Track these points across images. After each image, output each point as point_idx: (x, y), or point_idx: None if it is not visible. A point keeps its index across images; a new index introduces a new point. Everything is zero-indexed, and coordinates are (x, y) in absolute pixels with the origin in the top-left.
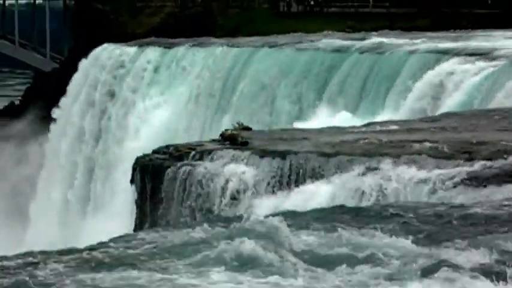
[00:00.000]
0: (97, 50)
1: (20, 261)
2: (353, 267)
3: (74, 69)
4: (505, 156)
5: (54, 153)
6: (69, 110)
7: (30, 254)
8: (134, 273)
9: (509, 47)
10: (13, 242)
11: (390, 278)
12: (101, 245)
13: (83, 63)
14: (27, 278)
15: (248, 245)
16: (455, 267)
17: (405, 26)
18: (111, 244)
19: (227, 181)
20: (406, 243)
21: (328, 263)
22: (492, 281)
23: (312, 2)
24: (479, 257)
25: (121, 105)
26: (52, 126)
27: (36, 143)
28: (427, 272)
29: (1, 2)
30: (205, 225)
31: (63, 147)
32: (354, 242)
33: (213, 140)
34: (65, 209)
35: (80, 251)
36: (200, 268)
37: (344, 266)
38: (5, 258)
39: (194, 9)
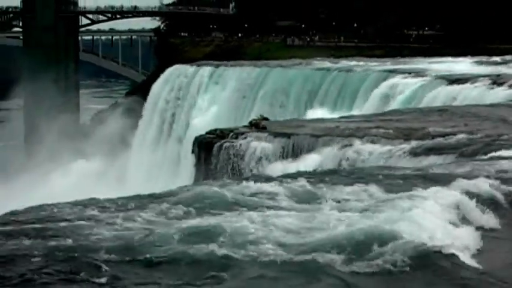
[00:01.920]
0: (171, 68)
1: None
2: (335, 203)
3: (156, 80)
4: (430, 138)
5: (142, 133)
6: (152, 106)
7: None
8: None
9: (432, 69)
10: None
11: (363, 209)
12: (177, 190)
13: (162, 77)
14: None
15: (267, 187)
16: (400, 199)
17: (367, 54)
18: (183, 190)
19: (253, 152)
20: (370, 189)
21: (317, 200)
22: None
23: (308, 39)
24: (412, 194)
25: (186, 103)
26: (143, 113)
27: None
28: (383, 204)
29: (110, 38)
30: (239, 180)
31: (149, 130)
32: (334, 188)
33: (244, 126)
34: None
35: (164, 194)
36: (234, 194)
37: (330, 202)
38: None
39: (232, 43)
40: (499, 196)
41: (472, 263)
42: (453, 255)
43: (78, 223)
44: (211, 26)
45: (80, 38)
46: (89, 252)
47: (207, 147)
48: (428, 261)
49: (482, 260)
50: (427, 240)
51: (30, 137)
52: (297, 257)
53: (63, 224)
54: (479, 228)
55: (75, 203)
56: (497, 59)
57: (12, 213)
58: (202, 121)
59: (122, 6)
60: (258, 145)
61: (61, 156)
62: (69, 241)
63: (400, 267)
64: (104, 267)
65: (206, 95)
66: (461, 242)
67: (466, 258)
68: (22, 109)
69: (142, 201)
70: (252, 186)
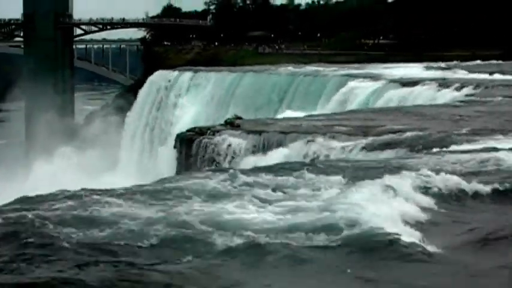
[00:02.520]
0: (155, 74)
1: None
2: (300, 191)
3: (142, 84)
4: (384, 134)
5: (130, 130)
6: (139, 105)
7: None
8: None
9: (386, 73)
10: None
11: (324, 197)
12: (161, 180)
13: (148, 81)
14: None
15: (241, 178)
16: (357, 187)
17: (329, 61)
18: (167, 180)
19: (228, 147)
20: (331, 179)
21: (284, 188)
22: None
23: (277, 47)
24: (367, 183)
25: (169, 104)
26: (128, 115)
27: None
28: (342, 191)
29: (101, 46)
30: (214, 171)
31: (137, 128)
32: (299, 178)
33: (220, 124)
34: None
35: (149, 184)
36: (210, 184)
37: (296, 190)
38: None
39: (210, 51)
40: (443, 184)
41: (426, 247)
42: (399, 235)
43: (88, 204)
44: (191, 36)
45: (74, 46)
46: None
47: (187, 143)
48: (378, 240)
49: (426, 240)
50: (377, 223)
51: (30, 135)
52: (266, 237)
53: (64, 205)
54: (429, 215)
55: (78, 192)
56: (443, 65)
57: (23, 198)
58: (183, 120)
59: (112, 18)
60: (233, 141)
61: (56, 152)
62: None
63: (354, 245)
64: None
65: (187, 97)
66: (411, 226)
67: (419, 242)
68: (23, 110)
69: (131, 189)
70: (226, 176)
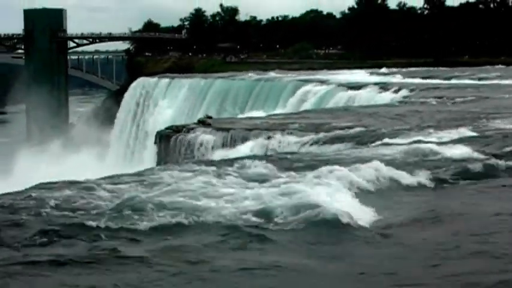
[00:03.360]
0: (138, 80)
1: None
2: (261, 180)
3: (127, 89)
4: (333, 130)
5: (118, 128)
6: (124, 107)
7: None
8: (157, 180)
9: (335, 79)
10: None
11: (280, 183)
12: (144, 171)
13: (131, 86)
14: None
15: (211, 168)
16: (308, 176)
17: (286, 68)
18: (148, 171)
19: (201, 142)
20: (287, 168)
21: (247, 177)
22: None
23: (242, 57)
24: (319, 172)
25: (150, 106)
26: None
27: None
28: (295, 180)
29: (91, 57)
30: (189, 163)
31: (123, 126)
32: (261, 168)
33: (194, 123)
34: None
35: (135, 174)
36: (186, 174)
37: (257, 178)
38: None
39: (185, 60)
40: (386, 173)
41: (365, 224)
42: (350, 218)
43: (80, 194)
44: (168, 48)
45: (68, 57)
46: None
47: (166, 139)
48: (332, 224)
49: (377, 224)
50: (328, 206)
51: (31, 134)
52: (222, 221)
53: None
54: (371, 199)
55: (77, 182)
56: (384, 71)
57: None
58: (162, 119)
59: (100, 33)
60: (204, 137)
61: (54, 147)
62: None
63: (305, 227)
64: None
65: (165, 100)
66: (357, 208)
67: (362, 222)
68: (24, 112)
69: (120, 178)
70: (200, 167)
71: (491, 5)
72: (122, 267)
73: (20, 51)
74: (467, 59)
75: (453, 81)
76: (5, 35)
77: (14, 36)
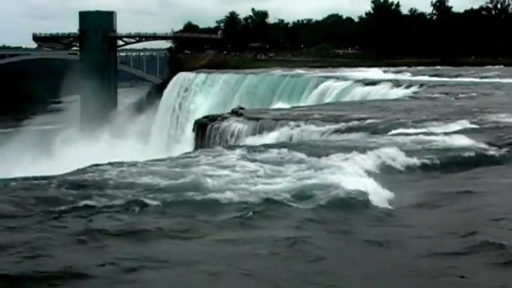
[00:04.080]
0: (178, 75)
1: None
2: (287, 162)
3: (168, 82)
4: (351, 121)
5: (160, 117)
6: (166, 98)
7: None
8: (194, 162)
9: (353, 76)
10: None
11: (304, 167)
12: (183, 154)
13: (172, 80)
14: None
15: (242, 152)
16: (329, 160)
17: (309, 66)
18: (186, 155)
19: (233, 130)
20: (310, 153)
21: (274, 160)
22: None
23: (271, 55)
24: (338, 157)
25: (188, 98)
26: (160, 104)
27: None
28: (318, 163)
29: (138, 54)
30: (223, 148)
31: (164, 115)
32: (286, 153)
33: (228, 113)
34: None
35: (176, 157)
36: (220, 157)
37: (283, 161)
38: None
39: (220, 57)
40: (398, 159)
41: (379, 203)
42: (366, 198)
43: (128, 176)
44: (205, 46)
45: (117, 54)
46: (145, 189)
47: (202, 127)
48: (350, 204)
49: (390, 203)
50: (344, 187)
51: (84, 121)
52: (254, 200)
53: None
54: (385, 181)
55: (126, 163)
56: (396, 69)
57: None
58: (199, 109)
59: (146, 33)
60: (237, 125)
61: (103, 133)
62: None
63: (323, 205)
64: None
65: (202, 92)
66: (372, 190)
67: (375, 201)
68: (78, 102)
69: (163, 161)
70: (232, 152)
71: (493, 12)
72: (169, 240)
73: (75, 48)
74: (473, 60)
75: (458, 79)
76: (62, 34)
77: (70, 35)
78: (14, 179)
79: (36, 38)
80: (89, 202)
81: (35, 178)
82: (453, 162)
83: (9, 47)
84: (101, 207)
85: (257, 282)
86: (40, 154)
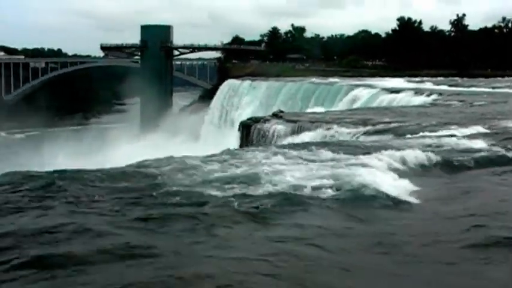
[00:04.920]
0: (226, 81)
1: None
2: (321, 160)
3: (218, 88)
4: (377, 124)
5: (210, 118)
6: (215, 102)
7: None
8: (240, 158)
9: (379, 84)
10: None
11: (336, 164)
12: (230, 150)
13: (221, 86)
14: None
15: (281, 150)
16: (358, 159)
17: (341, 75)
18: (233, 151)
19: (274, 131)
20: (341, 152)
21: (310, 157)
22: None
23: (307, 65)
24: (366, 156)
25: (235, 101)
26: (210, 107)
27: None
28: (348, 161)
29: (191, 63)
30: (265, 146)
31: (214, 117)
32: (321, 151)
33: (269, 115)
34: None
35: (223, 153)
36: (262, 154)
37: (318, 158)
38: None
39: (263, 67)
40: (422, 158)
41: (403, 198)
42: (390, 194)
43: (186, 168)
44: (250, 57)
45: (173, 62)
46: (199, 182)
47: (247, 127)
48: (376, 197)
49: (413, 197)
50: (376, 183)
51: (143, 120)
52: (290, 192)
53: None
54: (408, 178)
55: (180, 157)
56: (418, 79)
57: (144, 161)
58: (244, 112)
59: (198, 44)
60: (277, 127)
61: (160, 131)
62: (182, 175)
63: (350, 199)
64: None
65: (247, 97)
66: (396, 184)
67: (399, 195)
68: (139, 104)
69: (213, 156)
70: (273, 149)
71: (504, 30)
72: (215, 228)
73: (136, 57)
74: (487, 72)
75: (472, 88)
76: (126, 44)
77: (133, 45)
78: (88, 171)
79: (103, 47)
80: (151, 192)
81: (102, 170)
82: (470, 162)
83: (80, 56)
84: (161, 195)
85: (296, 260)
86: (106, 148)
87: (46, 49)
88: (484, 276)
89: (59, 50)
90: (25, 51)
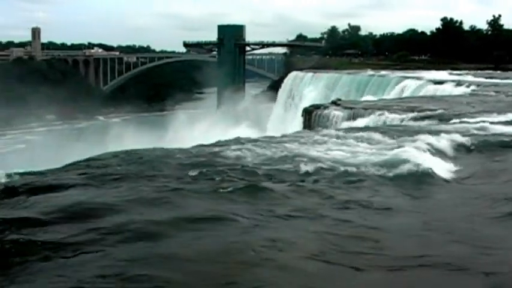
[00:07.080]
0: (291, 73)
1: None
2: (374, 141)
3: (284, 79)
4: (424, 111)
5: (278, 105)
6: (282, 91)
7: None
8: (304, 139)
9: (425, 76)
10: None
11: (387, 145)
12: (295, 132)
13: (287, 77)
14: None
15: (340, 133)
16: (406, 141)
17: (391, 68)
18: (298, 133)
19: (333, 116)
20: (392, 135)
21: (365, 139)
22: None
23: (362, 59)
24: (414, 138)
25: (299, 91)
26: (277, 95)
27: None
28: (398, 142)
29: (261, 57)
30: (325, 129)
31: (281, 103)
32: (374, 135)
33: (328, 103)
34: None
35: (290, 135)
36: (322, 136)
37: (371, 140)
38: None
39: (323, 60)
40: (462, 141)
41: (446, 176)
42: (434, 171)
43: (248, 148)
44: (312, 52)
45: (245, 57)
46: (247, 163)
47: (309, 113)
48: (421, 174)
49: (454, 175)
50: (417, 161)
51: (219, 107)
52: (348, 168)
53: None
54: (451, 158)
55: (237, 140)
56: (459, 72)
57: (200, 145)
58: (306, 99)
59: (267, 41)
60: (335, 113)
61: (233, 116)
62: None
63: (405, 174)
64: (258, 171)
65: (309, 87)
66: (439, 163)
67: (443, 173)
68: (215, 93)
69: (274, 139)
70: (332, 132)
71: None
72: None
73: (214, 52)
74: None
75: (507, 80)
76: (205, 41)
77: (211, 42)
78: (172, 150)
79: (185, 44)
80: (233, 166)
81: (184, 149)
82: (504, 145)
83: (165, 51)
84: (227, 170)
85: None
86: (189, 130)
87: (137, 46)
88: None
89: (148, 47)
90: (119, 48)
